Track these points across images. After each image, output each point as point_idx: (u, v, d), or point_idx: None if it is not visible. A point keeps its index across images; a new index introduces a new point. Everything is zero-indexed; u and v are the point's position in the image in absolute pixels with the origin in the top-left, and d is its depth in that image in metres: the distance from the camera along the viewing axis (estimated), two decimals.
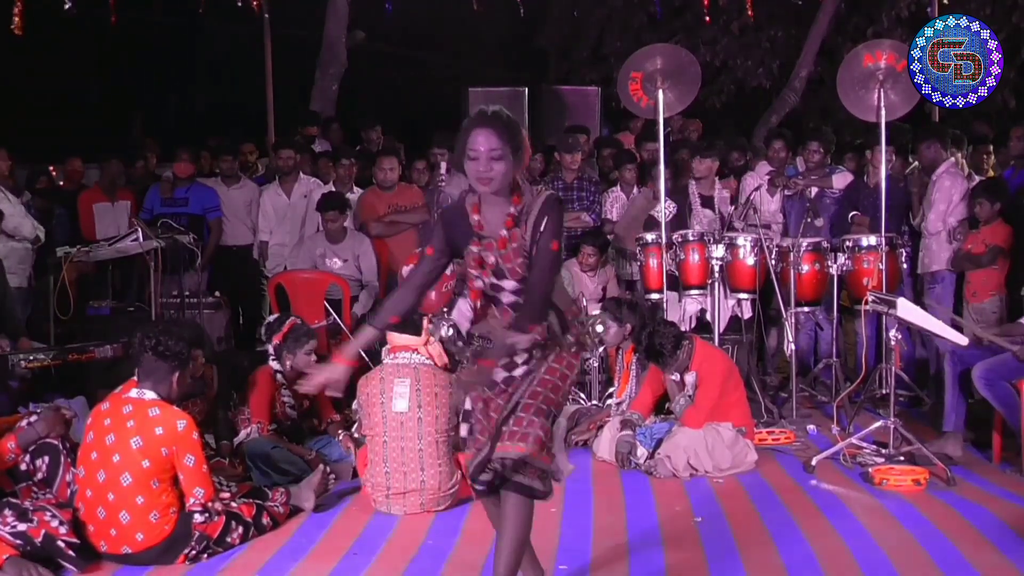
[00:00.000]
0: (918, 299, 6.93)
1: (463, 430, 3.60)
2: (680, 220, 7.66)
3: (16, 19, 9.19)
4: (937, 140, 7.25)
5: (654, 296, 7.11)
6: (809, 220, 7.36)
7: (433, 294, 6.70)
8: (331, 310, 7.16)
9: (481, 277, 3.46)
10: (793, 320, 6.85)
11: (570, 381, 3.56)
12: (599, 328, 6.19)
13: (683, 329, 6.46)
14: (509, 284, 3.44)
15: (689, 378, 5.83)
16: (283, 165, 8.52)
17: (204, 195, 8.41)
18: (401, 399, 5.00)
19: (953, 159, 7.24)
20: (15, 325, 6.37)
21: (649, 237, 7.14)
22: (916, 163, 7.44)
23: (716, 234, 6.90)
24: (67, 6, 9.19)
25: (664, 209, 7.18)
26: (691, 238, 6.98)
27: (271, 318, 6.10)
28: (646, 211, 7.88)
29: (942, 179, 7.09)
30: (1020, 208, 6.88)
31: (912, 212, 7.35)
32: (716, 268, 6.80)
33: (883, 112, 6.75)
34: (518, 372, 3.48)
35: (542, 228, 3.37)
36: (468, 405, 3.56)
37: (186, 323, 6.71)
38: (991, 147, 8.07)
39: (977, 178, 7.41)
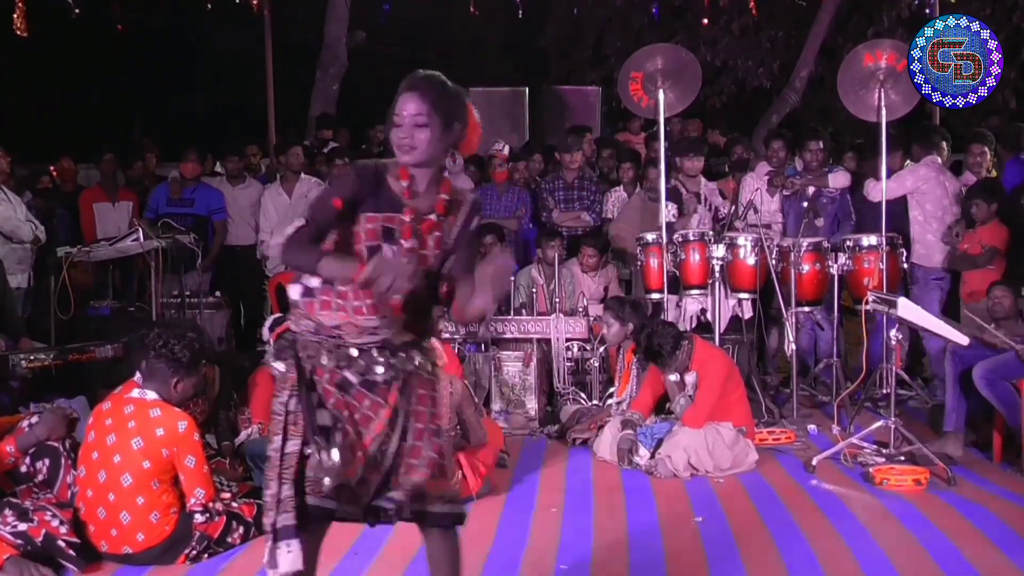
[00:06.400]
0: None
1: (318, 452, 2.98)
2: (682, 221, 7.68)
3: (17, 20, 9.20)
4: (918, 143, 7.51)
5: (655, 296, 7.11)
6: (809, 220, 7.37)
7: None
8: None
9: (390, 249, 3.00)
10: (794, 320, 6.85)
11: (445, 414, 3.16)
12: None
13: (683, 329, 6.46)
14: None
15: (689, 378, 5.83)
16: (293, 163, 8.52)
17: (210, 196, 8.42)
18: None
19: (933, 156, 7.35)
20: (16, 325, 6.38)
21: (649, 237, 7.14)
22: (909, 162, 7.51)
23: (716, 234, 6.91)
24: (75, 13, 9.19)
25: (666, 212, 7.19)
26: (691, 238, 6.99)
27: (273, 318, 6.09)
28: (641, 213, 7.89)
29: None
30: (1017, 209, 6.90)
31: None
32: (717, 268, 6.80)
33: (884, 112, 6.75)
34: (380, 377, 3.06)
35: (472, 226, 3.13)
36: (314, 405, 3.02)
37: (189, 325, 6.71)
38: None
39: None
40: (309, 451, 2.99)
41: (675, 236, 7.04)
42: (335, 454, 2.97)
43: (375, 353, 3.06)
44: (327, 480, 2.97)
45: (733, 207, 7.81)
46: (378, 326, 3.03)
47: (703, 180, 8.00)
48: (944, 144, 7.59)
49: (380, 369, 3.06)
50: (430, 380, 3.15)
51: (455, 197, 3.11)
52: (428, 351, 3.17)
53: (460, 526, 3.19)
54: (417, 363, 3.11)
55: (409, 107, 2.96)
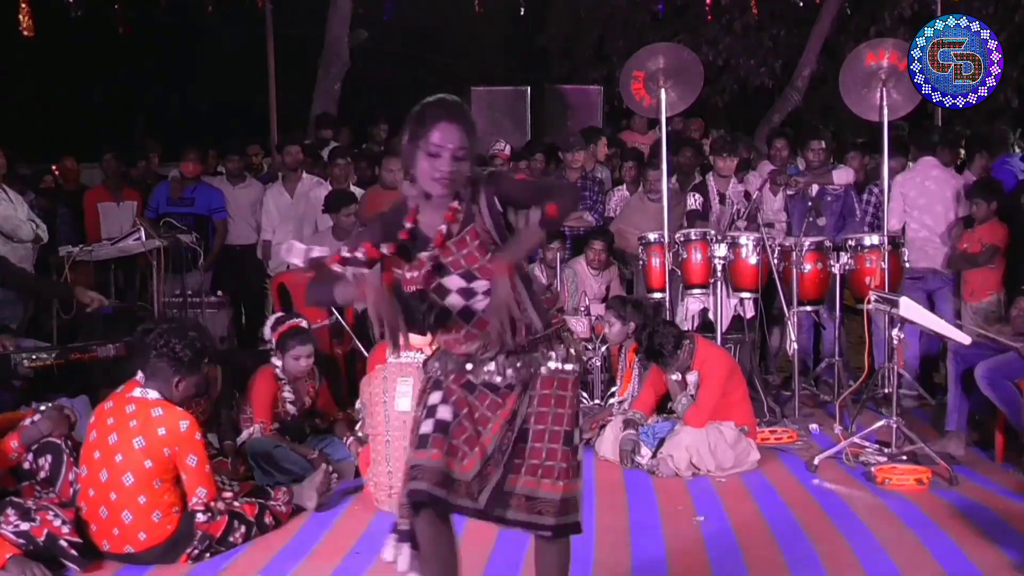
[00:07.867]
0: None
1: (428, 426, 3.06)
2: (704, 212, 7.69)
3: (25, 20, 9.20)
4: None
5: (656, 295, 7.11)
6: (811, 219, 7.36)
7: None
8: (333, 309, 7.15)
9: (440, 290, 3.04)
10: (795, 319, 6.85)
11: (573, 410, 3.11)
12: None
13: (685, 328, 6.46)
14: (480, 284, 3.03)
15: (691, 377, 5.82)
16: (291, 162, 8.52)
17: (210, 196, 8.42)
18: (404, 398, 5.00)
19: (928, 158, 7.40)
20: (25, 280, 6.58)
21: (651, 236, 7.14)
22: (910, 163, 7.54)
23: (719, 233, 6.91)
24: (76, 13, 9.20)
25: (692, 202, 7.18)
26: (693, 237, 6.98)
27: (274, 317, 6.10)
28: (642, 212, 7.88)
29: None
30: (1016, 207, 6.89)
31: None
32: (719, 267, 6.80)
33: (885, 111, 6.74)
34: (500, 382, 3.09)
35: (496, 205, 3.01)
36: (436, 400, 3.11)
37: (191, 324, 6.71)
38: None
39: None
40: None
41: (677, 236, 7.04)
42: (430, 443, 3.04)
43: (496, 361, 3.08)
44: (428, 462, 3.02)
45: (735, 206, 7.81)
46: (480, 348, 3.07)
47: (733, 180, 7.88)
48: (942, 143, 7.62)
49: (499, 378, 3.09)
50: (558, 380, 3.10)
51: (462, 202, 3.00)
52: (554, 345, 3.11)
53: (575, 534, 3.13)
54: (540, 366, 3.08)
55: (453, 139, 2.90)
